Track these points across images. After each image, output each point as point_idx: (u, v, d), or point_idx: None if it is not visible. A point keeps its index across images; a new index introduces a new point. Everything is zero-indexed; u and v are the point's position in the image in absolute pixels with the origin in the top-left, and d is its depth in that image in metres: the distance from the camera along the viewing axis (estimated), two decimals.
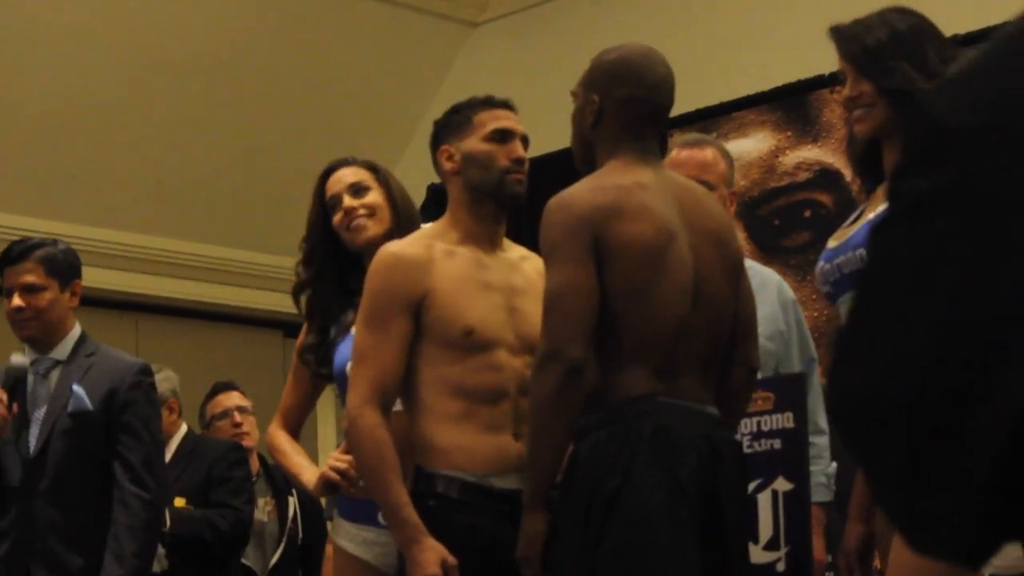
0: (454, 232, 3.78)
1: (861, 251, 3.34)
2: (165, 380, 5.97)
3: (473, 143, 3.77)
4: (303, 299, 4.17)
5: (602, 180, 3.46)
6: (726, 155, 4.58)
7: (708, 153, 4.37)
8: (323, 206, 4.10)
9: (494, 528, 3.57)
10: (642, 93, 3.54)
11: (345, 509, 3.99)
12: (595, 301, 3.34)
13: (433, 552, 3.48)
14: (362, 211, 4.02)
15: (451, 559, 3.49)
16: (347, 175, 4.09)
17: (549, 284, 3.38)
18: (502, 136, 3.76)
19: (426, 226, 3.97)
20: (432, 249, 3.73)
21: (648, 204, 3.42)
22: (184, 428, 6.10)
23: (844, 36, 3.45)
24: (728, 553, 3.38)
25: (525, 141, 3.80)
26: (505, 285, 3.71)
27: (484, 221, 3.77)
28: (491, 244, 3.77)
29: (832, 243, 3.49)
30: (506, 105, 3.82)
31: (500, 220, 3.79)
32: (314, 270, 4.10)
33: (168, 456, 5.91)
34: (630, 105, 3.53)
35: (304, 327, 4.14)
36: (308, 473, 4.00)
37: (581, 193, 3.42)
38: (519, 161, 3.75)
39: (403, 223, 4.00)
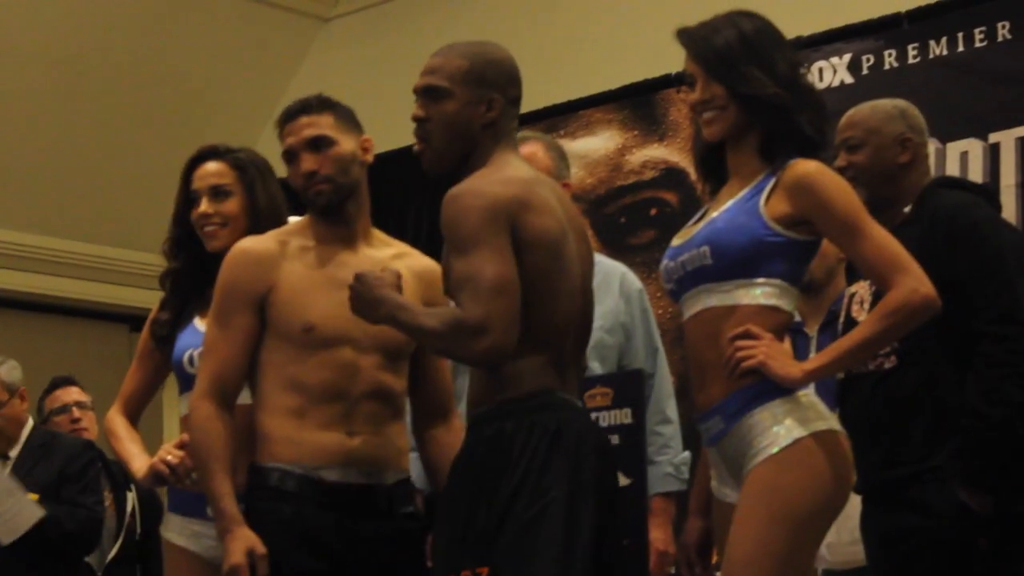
0: (312, 229, 3.79)
1: (704, 248, 3.38)
2: (13, 369, 5.93)
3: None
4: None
5: (503, 174, 3.41)
6: (553, 149, 4.58)
7: (527, 149, 4.33)
8: (188, 195, 4.07)
9: (320, 519, 3.59)
10: (520, 93, 3.54)
11: (175, 502, 3.99)
12: (520, 293, 3.32)
13: (242, 542, 3.53)
14: (216, 219, 3.99)
15: (260, 549, 3.53)
16: (211, 173, 4.04)
17: (483, 270, 3.27)
18: (289, 157, 3.76)
19: (294, 219, 3.96)
20: (286, 245, 3.74)
21: (547, 198, 3.41)
22: (30, 421, 6.04)
23: (693, 39, 3.47)
24: (616, 546, 3.42)
25: (317, 143, 3.72)
26: None
27: (325, 221, 3.77)
28: (347, 242, 3.75)
29: (676, 241, 3.51)
30: (292, 116, 3.78)
31: (343, 221, 3.76)
32: (180, 256, 4.08)
33: (17, 449, 5.86)
34: (516, 104, 3.53)
35: (157, 306, 4.12)
36: (138, 461, 4.00)
37: (493, 184, 3.36)
38: (309, 175, 3.72)
39: (264, 226, 3.93)
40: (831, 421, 3.34)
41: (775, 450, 3.26)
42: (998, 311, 3.81)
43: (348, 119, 3.82)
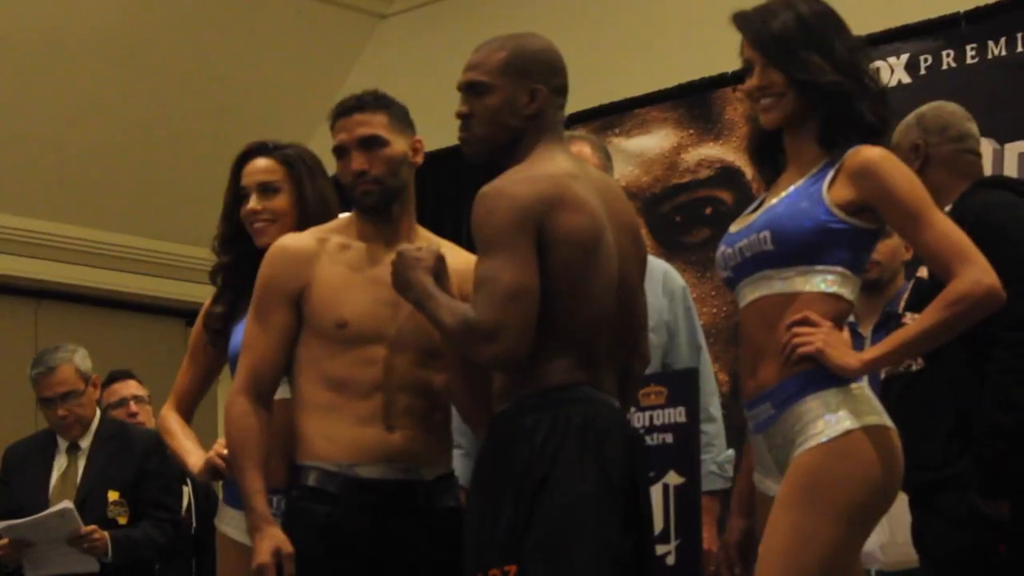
0: (354, 227, 3.78)
1: (765, 233, 3.31)
2: (85, 357, 5.94)
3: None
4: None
5: (535, 170, 3.41)
6: (599, 148, 4.59)
7: (574, 148, 4.31)
8: (237, 191, 4.08)
9: (356, 517, 3.59)
10: (566, 82, 3.54)
11: (229, 495, 4.00)
12: (538, 299, 3.33)
13: (269, 541, 3.54)
14: (265, 215, 4.00)
15: (287, 548, 3.53)
16: (260, 170, 4.05)
17: (500, 274, 3.28)
18: (339, 152, 3.75)
19: (345, 215, 3.96)
20: (325, 242, 3.75)
21: (583, 195, 3.39)
22: (98, 411, 6.06)
23: (750, 23, 3.41)
24: (644, 543, 3.40)
25: (369, 142, 3.71)
26: None
27: (369, 220, 3.77)
28: (389, 241, 3.73)
29: (734, 227, 3.45)
30: (346, 112, 3.75)
31: (387, 221, 3.75)
32: (230, 252, 4.09)
33: (88, 440, 5.87)
34: (561, 95, 3.53)
35: (209, 300, 4.14)
36: (194, 457, 4.01)
37: (520, 183, 3.36)
38: (359, 173, 3.71)
39: (315, 222, 3.94)
40: (883, 416, 3.27)
41: (824, 439, 3.19)
42: (1014, 316, 3.70)
43: (402, 119, 3.79)
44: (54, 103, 8.07)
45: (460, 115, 3.53)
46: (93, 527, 5.56)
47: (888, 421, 3.29)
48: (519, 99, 3.48)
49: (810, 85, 3.33)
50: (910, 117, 4.23)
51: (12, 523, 5.51)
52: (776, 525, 3.20)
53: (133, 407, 6.44)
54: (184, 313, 8.59)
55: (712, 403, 4.57)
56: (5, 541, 5.55)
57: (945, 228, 3.27)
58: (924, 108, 4.24)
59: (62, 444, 5.88)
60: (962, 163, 4.18)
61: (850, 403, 3.24)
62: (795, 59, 3.33)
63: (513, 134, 3.49)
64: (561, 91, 3.53)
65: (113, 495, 5.74)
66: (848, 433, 3.20)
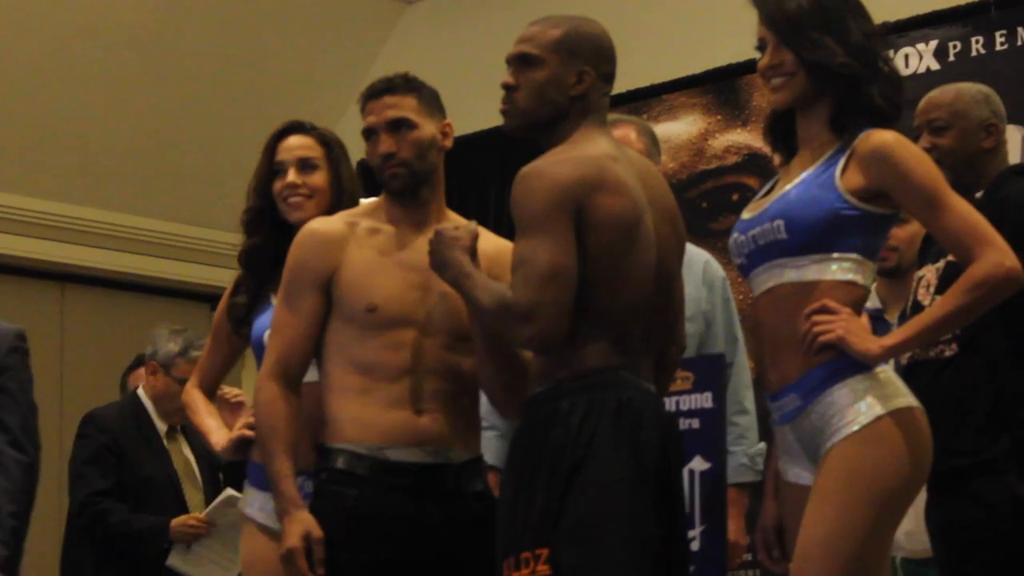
0: (383, 211, 3.79)
1: (779, 222, 3.32)
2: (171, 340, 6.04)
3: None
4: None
5: (576, 152, 3.40)
6: (645, 133, 4.59)
7: (619, 132, 4.34)
8: (271, 167, 4.09)
9: (385, 500, 3.60)
10: (613, 71, 3.54)
11: (255, 478, 4.01)
12: (576, 281, 3.32)
13: (299, 524, 3.55)
14: (303, 190, 4.02)
15: (317, 532, 3.54)
16: (299, 146, 4.07)
17: (538, 255, 3.28)
18: (368, 135, 3.76)
19: (366, 200, 3.97)
20: (355, 227, 3.75)
21: (623, 178, 3.39)
22: None
23: (765, 2, 3.41)
24: (676, 529, 3.41)
25: (398, 124, 3.72)
26: (426, 265, 3.66)
27: (398, 203, 3.77)
28: (419, 225, 3.74)
29: (747, 214, 3.45)
30: (376, 94, 3.76)
31: (416, 204, 3.76)
32: (259, 229, 4.10)
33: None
34: (608, 82, 3.52)
35: (231, 287, 4.15)
36: (216, 435, 4.06)
37: (560, 164, 3.36)
38: (387, 156, 3.71)
39: (345, 204, 3.97)
40: (909, 397, 3.28)
41: (856, 428, 3.20)
42: None
43: (431, 102, 3.80)
44: (80, 87, 8.09)
45: (505, 85, 3.52)
46: None
47: (914, 401, 3.29)
48: (566, 78, 3.47)
49: (820, 66, 3.33)
50: (972, 90, 4.18)
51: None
52: (815, 517, 3.21)
53: None
54: (208, 297, 8.59)
55: (746, 396, 4.56)
56: (203, 517, 5.61)
57: (963, 211, 3.26)
58: (984, 88, 4.20)
59: (160, 426, 5.95)
60: (1005, 152, 4.17)
61: (877, 388, 3.24)
62: (807, 40, 3.34)
63: (555, 111, 3.48)
64: (608, 78, 3.53)
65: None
66: (878, 419, 3.21)
